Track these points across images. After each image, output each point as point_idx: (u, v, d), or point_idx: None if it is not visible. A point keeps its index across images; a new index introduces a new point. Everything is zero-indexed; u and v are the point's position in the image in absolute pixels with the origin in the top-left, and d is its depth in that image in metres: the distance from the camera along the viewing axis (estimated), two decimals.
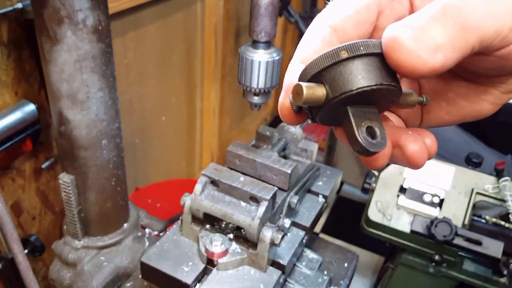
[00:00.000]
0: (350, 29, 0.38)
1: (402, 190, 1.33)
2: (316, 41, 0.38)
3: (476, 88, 0.40)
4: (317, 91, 0.35)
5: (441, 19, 0.31)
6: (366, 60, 0.34)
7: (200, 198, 0.73)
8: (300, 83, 0.34)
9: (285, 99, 0.38)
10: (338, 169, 0.94)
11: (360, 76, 0.34)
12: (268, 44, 0.68)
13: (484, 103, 0.40)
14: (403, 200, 1.31)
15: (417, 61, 0.31)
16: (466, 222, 1.27)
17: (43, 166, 1.30)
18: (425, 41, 0.31)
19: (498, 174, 1.31)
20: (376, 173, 1.39)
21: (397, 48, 0.31)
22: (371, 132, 0.35)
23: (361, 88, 0.34)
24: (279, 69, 0.70)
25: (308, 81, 0.36)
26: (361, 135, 0.35)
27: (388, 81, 0.34)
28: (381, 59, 0.34)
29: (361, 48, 0.34)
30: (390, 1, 0.40)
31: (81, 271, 1.01)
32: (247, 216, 0.70)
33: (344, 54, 0.34)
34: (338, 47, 0.34)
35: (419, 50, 0.31)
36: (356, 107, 0.35)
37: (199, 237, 0.74)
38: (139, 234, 1.12)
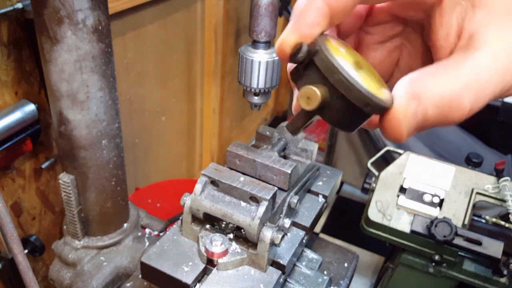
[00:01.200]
0: None
1: (402, 190, 1.32)
2: None
3: None
4: (317, 96, 0.34)
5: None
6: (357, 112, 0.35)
7: (200, 198, 0.73)
8: (314, 88, 0.34)
9: (290, 33, 0.36)
10: (338, 169, 0.94)
11: (343, 113, 0.35)
12: (268, 44, 0.68)
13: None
14: (403, 200, 1.31)
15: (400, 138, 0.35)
16: (466, 222, 1.27)
17: (43, 166, 1.30)
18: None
19: (498, 174, 1.31)
20: (376, 173, 1.39)
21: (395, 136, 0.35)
22: (303, 126, 0.39)
23: (334, 122, 0.36)
24: (279, 69, 0.70)
25: (315, 61, 0.35)
26: (294, 126, 0.38)
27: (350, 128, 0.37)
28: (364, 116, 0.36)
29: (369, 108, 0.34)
30: None
31: (81, 271, 1.01)
32: (247, 216, 0.70)
33: (367, 108, 0.34)
34: (372, 97, 0.33)
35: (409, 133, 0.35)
36: None
37: (199, 237, 0.74)
38: (139, 234, 1.12)
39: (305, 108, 0.34)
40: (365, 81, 0.34)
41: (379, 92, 0.34)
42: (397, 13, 0.42)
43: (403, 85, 0.33)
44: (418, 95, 0.32)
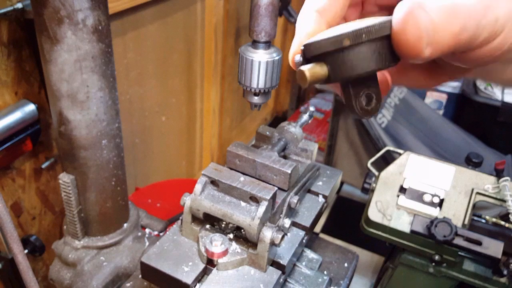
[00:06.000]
0: None
1: (402, 190, 1.32)
2: None
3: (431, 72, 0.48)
4: (319, 72, 0.38)
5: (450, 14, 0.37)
6: (366, 47, 0.37)
7: (200, 198, 0.73)
8: (303, 68, 0.38)
9: (296, 47, 0.43)
10: (338, 169, 0.94)
11: (360, 62, 0.37)
12: (268, 44, 0.68)
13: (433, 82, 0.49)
14: (403, 200, 1.31)
15: (422, 49, 0.36)
16: (466, 222, 1.27)
17: (43, 166, 1.30)
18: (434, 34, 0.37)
19: (498, 174, 1.31)
20: (376, 173, 1.39)
21: (408, 46, 0.37)
22: (368, 97, 0.40)
23: (360, 73, 0.38)
24: (279, 69, 0.70)
25: (312, 57, 0.39)
26: (357, 106, 0.40)
27: (386, 64, 0.38)
28: (382, 42, 0.37)
29: (363, 35, 0.36)
30: None
31: (81, 271, 1.01)
32: (247, 216, 0.70)
33: (347, 42, 0.37)
34: (342, 34, 0.37)
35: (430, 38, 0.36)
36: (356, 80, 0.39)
37: (199, 237, 0.74)
38: (139, 234, 1.12)
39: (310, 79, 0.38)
40: (358, 23, 0.38)
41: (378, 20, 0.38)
42: (380, 2, 0.49)
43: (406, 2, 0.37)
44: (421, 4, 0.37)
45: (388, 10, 0.50)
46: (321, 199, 0.87)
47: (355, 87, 0.40)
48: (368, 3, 0.50)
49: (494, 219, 1.34)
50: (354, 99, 0.40)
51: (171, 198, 1.64)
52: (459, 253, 1.26)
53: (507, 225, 1.30)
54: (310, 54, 0.39)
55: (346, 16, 0.49)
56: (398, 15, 0.37)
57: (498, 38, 0.40)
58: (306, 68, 0.38)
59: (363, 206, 1.39)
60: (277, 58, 0.68)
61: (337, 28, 0.40)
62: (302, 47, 0.40)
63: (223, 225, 0.75)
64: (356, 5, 0.50)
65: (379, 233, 1.33)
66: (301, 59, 0.41)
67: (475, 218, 1.34)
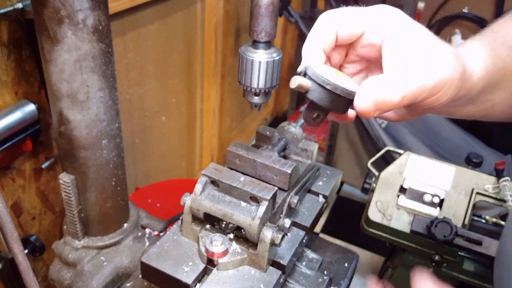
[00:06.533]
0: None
1: (402, 190, 1.32)
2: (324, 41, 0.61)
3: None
4: (304, 86, 0.58)
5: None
6: (334, 95, 0.58)
7: (200, 198, 0.73)
8: (297, 77, 0.57)
9: (302, 64, 0.61)
10: (338, 169, 0.94)
11: (326, 100, 0.58)
12: (269, 44, 0.68)
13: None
14: (403, 200, 1.31)
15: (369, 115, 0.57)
16: (466, 222, 1.27)
17: (43, 166, 1.30)
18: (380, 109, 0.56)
19: (498, 174, 1.31)
20: (376, 173, 1.39)
21: (362, 112, 0.56)
22: (318, 116, 0.62)
23: (321, 105, 0.59)
24: (279, 69, 0.70)
25: (306, 75, 0.59)
26: (309, 117, 0.62)
27: (339, 111, 0.60)
28: (344, 100, 0.58)
29: (338, 90, 0.57)
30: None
31: (81, 271, 1.01)
32: (247, 216, 0.70)
33: (328, 87, 0.57)
34: (329, 81, 0.57)
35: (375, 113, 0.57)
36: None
37: (199, 237, 0.74)
38: (139, 234, 1.12)
39: (292, 87, 0.58)
40: (340, 79, 0.58)
41: (350, 86, 0.58)
42: (361, 55, 0.65)
43: (364, 85, 0.56)
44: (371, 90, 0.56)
45: (366, 60, 0.66)
46: (321, 199, 0.87)
47: (314, 107, 0.61)
48: (351, 54, 0.65)
49: (494, 219, 1.34)
50: (309, 112, 0.62)
51: (171, 198, 1.64)
52: (459, 253, 1.26)
53: None
54: (308, 73, 0.58)
55: (333, 57, 0.65)
56: (358, 96, 0.56)
57: (436, 95, 0.57)
58: (298, 78, 0.57)
59: (363, 206, 1.39)
60: (277, 58, 0.68)
61: (331, 72, 0.59)
62: (307, 65, 0.59)
63: (223, 225, 0.75)
64: (341, 50, 0.64)
65: (379, 233, 1.33)
66: (303, 69, 0.59)
67: (475, 218, 1.34)
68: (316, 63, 0.60)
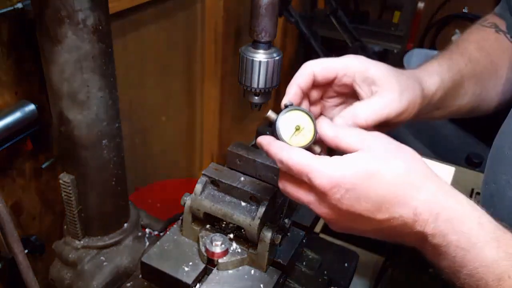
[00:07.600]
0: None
1: None
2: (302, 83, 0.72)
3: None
4: (272, 119, 0.67)
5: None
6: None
7: (200, 198, 0.73)
8: (271, 112, 0.69)
9: (286, 96, 0.72)
10: None
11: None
12: (269, 44, 0.68)
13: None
14: None
15: None
16: None
17: (43, 166, 1.30)
18: None
19: None
20: None
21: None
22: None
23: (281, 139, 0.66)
24: (279, 69, 0.70)
25: (282, 111, 0.68)
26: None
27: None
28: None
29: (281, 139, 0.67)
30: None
31: (82, 271, 1.01)
32: (247, 216, 0.70)
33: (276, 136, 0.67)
34: (279, 136, 0.66)
35: None
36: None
37: (199, 237, 0.75)
38: (139, 234, 1.12)
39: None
40: (292, 138, 0.67)
41: (296, 142, 0.67)
42: (338, 92, 0.76)
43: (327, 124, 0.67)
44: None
45: (343, 95, 0.77)
46: None
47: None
48: (330, 91, 0.76)
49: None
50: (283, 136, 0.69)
51: (171, 198, 1.64)
52: None
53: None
54: (282, 108, 0.68)
55: (311, 94, 0.75)
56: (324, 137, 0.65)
57: (404, 114, 0.74)
58: (271, 113, 0.68)
59: None
60: (277, 58, 0.68)
61: (292, 123, 0.68)
62: (287, 103, 0.69)
63: (223, 225, 0.75)
64: (319, 90, 0.75)
65: None
66: (285, 103, 0.69)
67: None
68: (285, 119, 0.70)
